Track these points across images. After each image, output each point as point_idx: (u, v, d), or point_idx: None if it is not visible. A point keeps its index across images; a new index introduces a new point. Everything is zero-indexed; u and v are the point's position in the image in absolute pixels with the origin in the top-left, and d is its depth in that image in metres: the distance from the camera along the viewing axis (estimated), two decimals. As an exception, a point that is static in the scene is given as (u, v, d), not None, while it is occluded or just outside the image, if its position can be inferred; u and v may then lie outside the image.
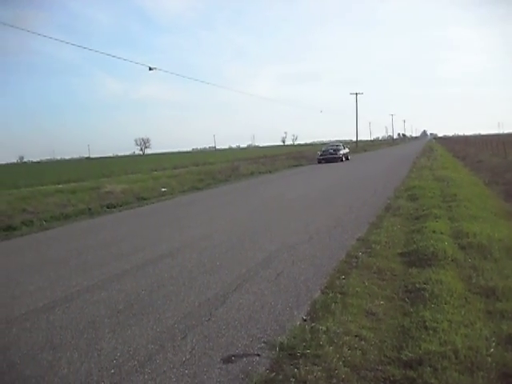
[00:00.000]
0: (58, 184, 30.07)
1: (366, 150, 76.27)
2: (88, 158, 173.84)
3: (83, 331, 5.19)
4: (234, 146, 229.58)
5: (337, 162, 42.27)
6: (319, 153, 45.69)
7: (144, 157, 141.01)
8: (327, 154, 44.34)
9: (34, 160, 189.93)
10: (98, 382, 4.01)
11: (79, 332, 5.18)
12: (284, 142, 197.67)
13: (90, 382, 4.02)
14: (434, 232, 8.59)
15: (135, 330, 5.08)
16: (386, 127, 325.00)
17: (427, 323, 4.72)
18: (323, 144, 54.29)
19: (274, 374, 3.95)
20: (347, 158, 46.02)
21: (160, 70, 26.75)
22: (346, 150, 48.10)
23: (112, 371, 4.19)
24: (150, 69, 25.75)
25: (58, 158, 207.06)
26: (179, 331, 4.97)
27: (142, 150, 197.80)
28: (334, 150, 45.23)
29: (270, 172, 35.38)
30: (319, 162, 42.98)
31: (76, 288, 6.93)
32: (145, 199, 20.24)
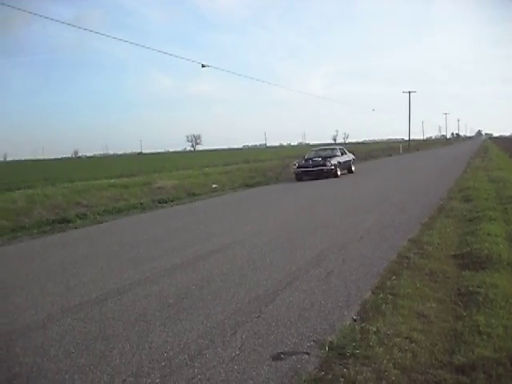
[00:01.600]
0: (111, 178, 30.61)
1: (418, 150, 75.06)
2: (140, 154, 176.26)
3: (135, 323, 5.28)
4: (284, 143, 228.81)
5: (325, 177, 25.25)
6: (296, 164, 26.79)
7: (195, 153, 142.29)
8: (309, 166, 26.04)
9: (88, 155, 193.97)
10: (148, 374, 4.06)
11: (131, 324, 5.27)
12: (335, 140, 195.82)
13: (141, 374, 4.08)
14: (488, 234, 8.37)
15: (185, 325, 5.13)
16: (439, 126, 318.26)
17: (481, 328, 4.59)
18: (322, 147, 34.52)
19: (323, 373, 3.92)
20: (350, 170, 28.40)
21: (212, 67, 26.86)
22: (347, 158, 28.59)
23: (163, 364, 4.25)
24: (203, 66, 25.89)
25: (111, 153, 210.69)
26: (229, 327, 4.99)
27: (193, 146, 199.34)
28: (323, 159, 26.20)
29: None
30: (298, 179, 25.76)
31: (128, 281, 7.06)
32: (196, 195, 20.45)
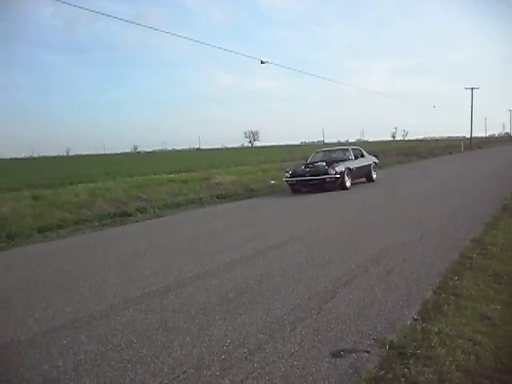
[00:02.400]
0: (170, 174, 31.02)
1: (480, 147, 73.15)
2: (198, 150, 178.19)
3: (195, 316, 5.35)
4: (342, 140, 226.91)
5: (329, 189, 18.88)
6: (289, 171, 19.86)
7: (253, 149, 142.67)
8: (305, 174, 19.31)
9: (147, 150, 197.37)
10: (209, 366, 4.11)
11: (191, 317, 5.34)
12: (394, 137, 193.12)
13: (202, 366, 4.13)
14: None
15: (245, 319, 5.16)
16: (503, 124, 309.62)
17: (549, 332, 4.46)
18: (332, 147, 25.85)
19: (383, 372, 3.88)
20: (369, 178, 22.04)
21: (271, 63, 26.88)
22: (364, 162, 21.81)
23: (222, 357, 4.28)
24: (262, 62, 25.97)
25: (169, 148, 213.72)
26: (288, 323, 4.99)
27: (250, 142, 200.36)
28: (326, 165, 19.52)
29: (380, 168, 34.74)
30: (294, 191, 19.51)
31: (187, 274, 7.16)
32: (254, 191, 20.54)
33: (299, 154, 56.29)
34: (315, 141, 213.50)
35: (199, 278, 6.96)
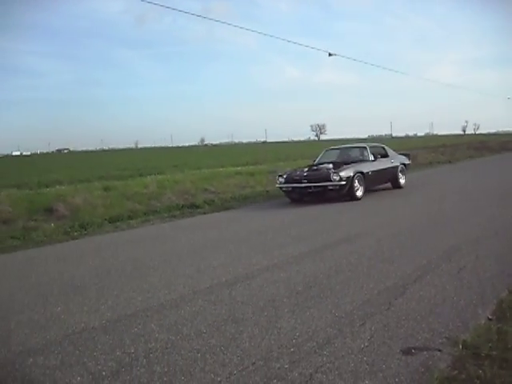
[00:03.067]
0: (237, 166, 31.23)
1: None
2: (265, 143, 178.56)
3: (263, 308, 5.36)
4: (410, 133, 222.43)
5: (334, 198, 14.93)
6: (284, 175, 15.64)
7: (319, 142, 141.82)
8: (302, 180, 15.06)
9: (214, 143, 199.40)
10: (277, 359, 4.10)
11: (259, 309, 5.36)
12: (464, 131, 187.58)
13: (271, 358, 4.13)
14: None
15: (314, 312, 5.14)
16: None
17: None
18: (346, 145, 20.15)
19: (456, 371, 3.77)
20: (396, 183, 17.66)
21: (339, 55, 26.56)
22: (385, 164, 17.06)
23: (291, 350, 4.27)
24: (330, 54, 25.76)
25: (236, 141, 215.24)
26: (358, 318, 4.94)
27: (317, 135, 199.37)
28: (335, 167, 15.36)
29: (450, 162, 33.97)
30: (292, 199, 15.75)
31: (256, 266, 7.19)
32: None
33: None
34: (382, 134, 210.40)
35: (268, 270, 6.98)
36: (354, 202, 14.49)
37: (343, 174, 14.51)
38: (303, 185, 14.83)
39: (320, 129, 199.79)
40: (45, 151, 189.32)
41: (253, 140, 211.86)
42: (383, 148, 18.17)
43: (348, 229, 9.92)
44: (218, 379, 3.80)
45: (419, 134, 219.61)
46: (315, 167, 15.92)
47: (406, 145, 61.01)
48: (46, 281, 7.15)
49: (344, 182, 14.36)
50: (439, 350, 4.15)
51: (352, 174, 14.66)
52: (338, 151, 18.09)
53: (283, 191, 15.72)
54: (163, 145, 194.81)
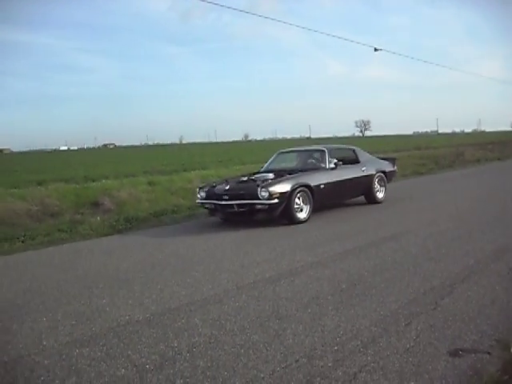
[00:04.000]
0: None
1: None
2: (308, 138, 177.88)
3: (307, 305, 5.32)
4: (457, 130, 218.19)
5: (266, 219, 10.95)
6: (206, 188, 11.60)
7: (363, 139, 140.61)
8: (222, 197, 10.95)
9: (258, 138, 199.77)
10: (321, 357, 4.06)
11: (303, 306, 5.32)
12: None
13: (314, 356, 4.09)
14: None
15: (358, 311, 5.07)
16: None
17: None
18: (303, 147, 15.76)
19: (506, 376, 3.64)
20: (371, 198, 13.42)
21: (385, 50, 26.17)
22: (356, 174, 12.82)
23: (335, 348, 4.22)
24: (376, 50, 25.43)
25: (280, 137, 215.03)
26: (403, 317, 4.84)
27: (361, 131, 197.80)
28: (258, 183, 10.97)
29: (499, 159, 33.16)
30: (211, 213, 11.90)
31: (300, 263, 7.16)
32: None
33: (412, 144, 54.95)
34: (428, 131, 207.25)
35: (312, 266, 6.93)
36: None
37: (275, 188, 10.51)
38: (223, 202, 10.90)
39: (364, 125, 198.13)
40: (91, 146, 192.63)
41: (297, 136, 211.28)
42: (353, 151, 13.77)
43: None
44: (261, 375, 3.78)
45: (466, 130, 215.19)
46: (246, 178, 11.90)
47: (453, 141, 60.05)
48: (91, 273, 7.26)
49: (276, 201, 10.43)
50: (488, 353, 4.03)
51: (289, 189, 10.66)
52: (293, 155, 14.21)
53: (206, 209, 11.89)
54: (207, 140, 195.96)
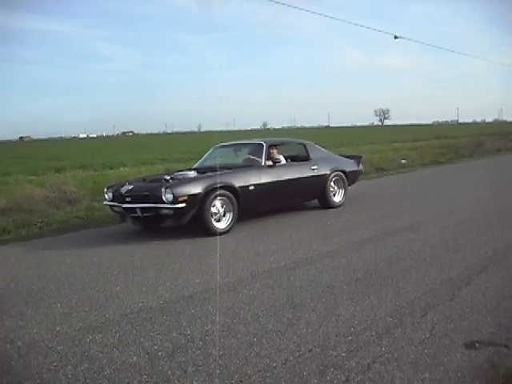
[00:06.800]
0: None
1: None
2: (327, 127, 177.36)
3: (322, 295, 5.27)
4: (478, 120, 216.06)
5: (172, 225, 8.78)
6: (111, 187, 9.52)
7: (383, 128, 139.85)
8: (126, 198, 8.88)
9: (276, 127, 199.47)
10: (335, 347, 4.01)
11: (318, 295, 5.27)
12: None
13: (328, 346, 4.04)
14: None
15: (373, 301, 5.01)
16: None
17: None
18: (243, 140, 12.99)
19: (524, 370, 3.58)
20: (324, 201, 11.25)
21: (405, 38, 25.81)
22: (304, 174, 10.58)
23: (349, 338, 4.17)
24: (396, 37, 25.10)
25: (298, 125, 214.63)
26: (419, 308, 4.78)
27: (380, 120, 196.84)
28: (162, 182, 9.06)
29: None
30: (121, 219, 9.64)
31: (316, 252, 7.10)
32: (384, 170, 20.17)
33: (432, 134, 54.48)
34: (448, 120, 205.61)
35: (327, 255, 6.88)
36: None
37: (182, 190, 8.47)
38: (126, 205, 8.97)
39: (384, 114, 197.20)
40: (110, 134, 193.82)
41: (315, 125, 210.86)
42: (304, 147, 11.46)
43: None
44: (274, 364, 3.75)
45: (487, 120, 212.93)
46: (160, 176, 10.07)
47: (474, 131, 59.39)
48: (106, 260, 7.26)
49: (183, 205, 8.38)
50: (506, 346, 3.95)
51: (201, 191, 8.54)
52: (230, 150, 12.03)
53: (115, 212, 9.81)
54: (225, 128, 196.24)
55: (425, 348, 3.94)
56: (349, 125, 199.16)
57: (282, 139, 13.10)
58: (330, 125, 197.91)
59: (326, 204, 11.24)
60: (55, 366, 3.93)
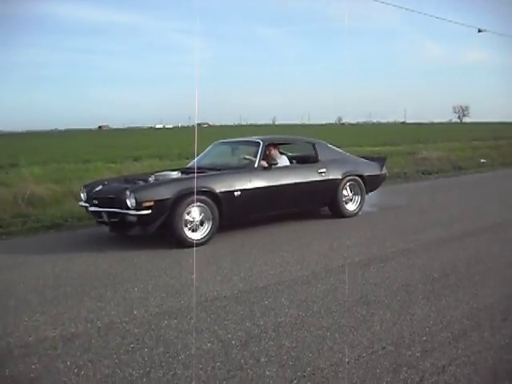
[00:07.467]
0: (374, 146, 30.68)
1: None
2: (403, 123, 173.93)
3: (396, 293, 5.20)
4: None
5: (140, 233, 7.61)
6: (87, 188, 8.37)
7: (461, 125, 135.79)
8: (93, 200, 7.96)
9: (351, 122, 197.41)
10: (409, 346, 3.96)
11: (392, 293, 5.20)
12: None
13: (401, 344, 3.99)
14: None
15: (450, 301, 4.90)
16: None
17: None
18: (238, 138, 11.34)
19: None
20: (335, 208, 9.66)
21: (490, 31, 24.82)
22: (308, 178, 9.06)
23: (424, 338, 4.10)
24: (479, 31, 24.25)
25: (374, 121, 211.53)
26: (498, 312, 4.63)
27: (459, 118, 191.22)
28: (125, 185, 7.95)
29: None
30: (97, 222, 8.40)
31: (391, 249, 7.02)
32: (461, 169, 19.61)
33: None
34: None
35: (403, 253, 6.78)
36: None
37: (146, 194, 7.45)
38: (93, 208, 8.05)
39: (463, 110, 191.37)
40: (185, 125, 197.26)
41: (391, 120, 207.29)
42: (313, 146, 9.87)
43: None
44: (346, 360, 3.73)
45: None
46: (142, 176, 8.86)
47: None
48: (182, 249, 7.38)
49: (147, 212, 7.31)
50: None
51: (171, 197, 7.41)
52: (227, 148, 10.60)
53: (91, 215, 8.48)
54: (300, 122, 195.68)
55: (504, 354, 3.82)
56: (426, 121, 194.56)
57: (286, 137, 11.88)
58: (407, 121, 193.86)
59: (338, 213, 9.69)
60: (132, 348, 4.06)
